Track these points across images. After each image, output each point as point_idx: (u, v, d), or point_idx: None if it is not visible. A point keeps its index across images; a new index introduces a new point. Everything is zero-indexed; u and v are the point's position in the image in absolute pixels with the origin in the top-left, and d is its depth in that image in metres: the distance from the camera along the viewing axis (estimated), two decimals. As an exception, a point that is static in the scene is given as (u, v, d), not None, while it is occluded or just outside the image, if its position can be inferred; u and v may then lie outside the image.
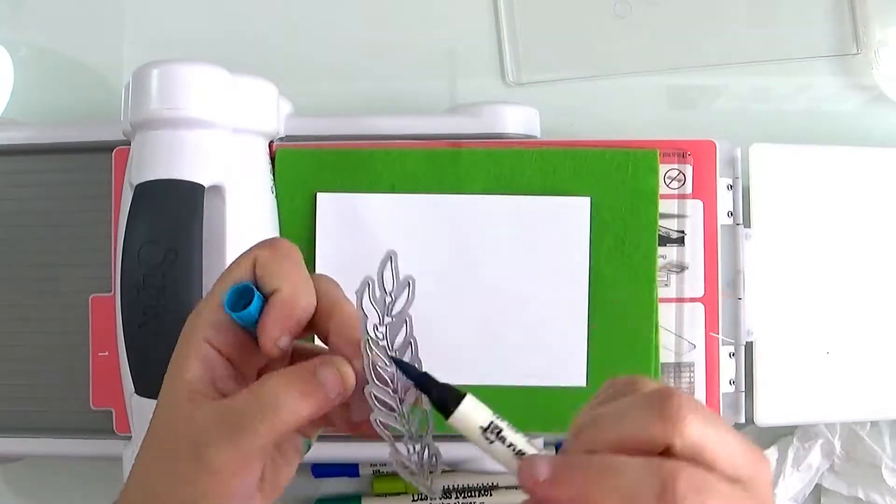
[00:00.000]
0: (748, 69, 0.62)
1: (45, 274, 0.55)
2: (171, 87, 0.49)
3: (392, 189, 0.53)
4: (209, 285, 0.48)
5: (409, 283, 0.33)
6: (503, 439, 0.31)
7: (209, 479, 0.32)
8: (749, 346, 0.56)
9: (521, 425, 0.51)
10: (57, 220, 0.55)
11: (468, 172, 0.53)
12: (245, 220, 0.51)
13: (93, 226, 0.54)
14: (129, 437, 0.53)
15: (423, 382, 0.33)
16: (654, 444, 0.28)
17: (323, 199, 0.53)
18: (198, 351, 0.33)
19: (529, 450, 0.31)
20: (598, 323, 0.52)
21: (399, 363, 0.33)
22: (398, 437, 0.33)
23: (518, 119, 0.55)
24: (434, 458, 0.34)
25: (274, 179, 0.53)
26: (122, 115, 0.51)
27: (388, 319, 0.33)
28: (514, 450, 0.31)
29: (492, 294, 0.52)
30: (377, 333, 0.33)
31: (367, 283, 0.33)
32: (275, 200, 0.53)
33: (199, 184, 0.48)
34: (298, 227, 0.53)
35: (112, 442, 0.53)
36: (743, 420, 0.56)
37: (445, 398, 0.32)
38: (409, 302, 0.33)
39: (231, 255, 0.50)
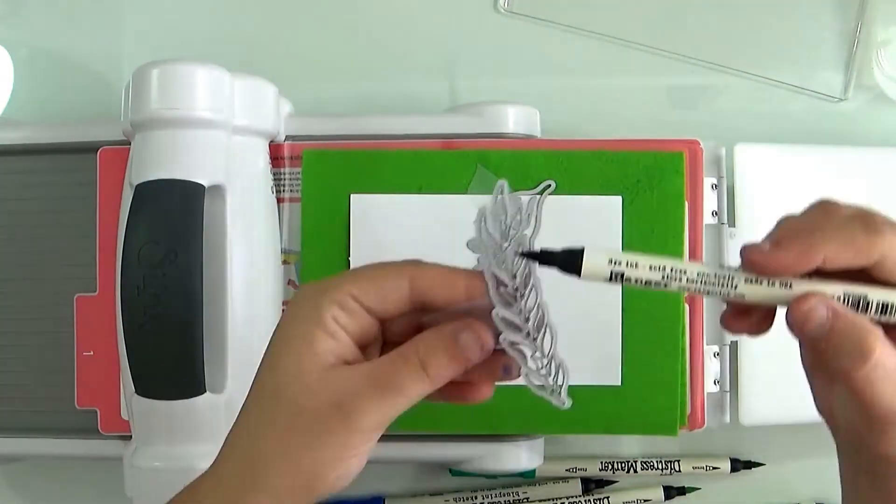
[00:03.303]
0: (749, 69, 0.62)
1: (31, 274, 0.55)
2: (171, 86, 0.49)
3: (419, 190, 0.53)
4: (209, 285, 0.48)
5: (519, 209, 0.35)
6: (629, 280, 0.34)
7: (354, 438, 0.34)
8: (734, 346, 0.56)
9: (559, 424, 0.53)
10: (51, 220, 0.55)
11: (497, 174, 0.53)
12: (245, 220, 0.51)
13: (81, 226, 0.54)
14: (115, 437, 0.53)
15: (543, 257, 0.35)
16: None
17: (357, 199, 0.53)
18: (326, 327, 0.34)
19: (669, 263, 0.34)
20: (631, 323, 0.52)
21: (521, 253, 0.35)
22: (525, 355, 0.35)
23: (518, 119, 0.55)
24: (562, 372, 0.35)
25: (287, 180, 0.54)
26: (122, 115, 0.51)
27: (506, 244, 0.35)
28: (645, 283, 0.34)
29: None
30: (497, 258, 0.35)
31: (482, 212, 0.35)
32: (275, 200, 0.53)
33: (199, 184, 0.48)
34: (325, 227, 0.53)
35: (100, 442, 0.53)
36: (728, 420, 0.56)
37: (568, 262, 0.34)
38: (523, 226, 0.35)
39: (231, 255, 0.50)
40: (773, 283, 0.34)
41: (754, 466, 0.59)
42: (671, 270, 0.34)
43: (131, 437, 0.50)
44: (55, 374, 0.54)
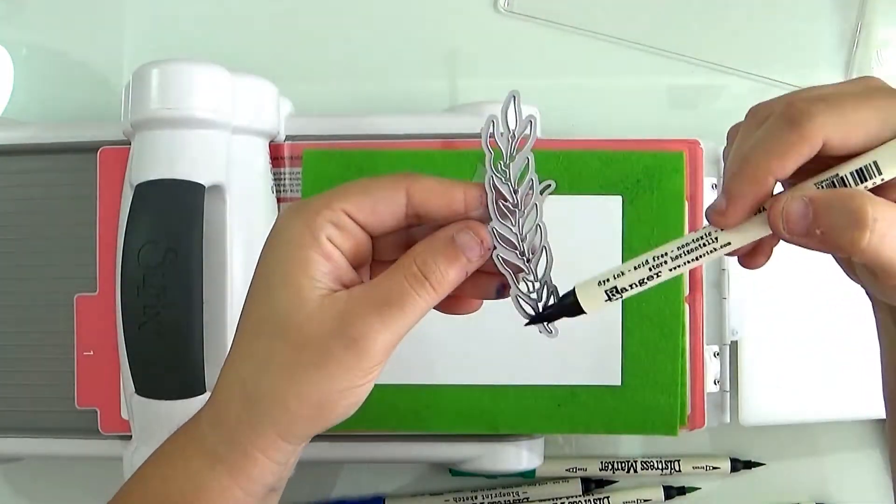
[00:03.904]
0: (749, 69, 0.62)
1: (31, 273, 0.55)
2: (172, 86, 0.49)
3: None
4: (209, 285, 0.48)
5: (531, 122, 0.34)
6: (625, 290, 0.34)
7: (364, 364, 0.33)
8: (734, 346, 0.56)
9: (559, 424, 0.53)
10: (51, 220, 0.55)
11: None
12: (245, 220, 0.51)
13: (81, 226, 0.54)
14: (115, 437, 0.53)
15: (548, 315, 0.35)
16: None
17: None
18: (322, 249, 0.33)
19: (648, 255, 0.34)
20: (631, 323, 0.52)
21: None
22: (518, 274, 0.34)
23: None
24: (553, 297, 0.35)
25: (287, 180, 0.54)
26: (122, 115, 0.51)
27: (510, 157, 0.34)
28: (639, 282, 0.34)
29: None
30: (500, 170, 0.34)
31: (490, 122, 0.34)
32: (275, 200, 0.53)
33: (199, 184, 0.48)
34: None
35: (100, 442, 0.53)
36: (728, 420, 0.56)
37: (567, 311, 0.34)
38: (531, 140, 0.34)
39: (231, 255, 0.50)
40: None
41: (754, 466, 0.60)
42: (653, 259, 0.34)
43: (131, 437, 0.50)
44: (55, 374, 0.54)
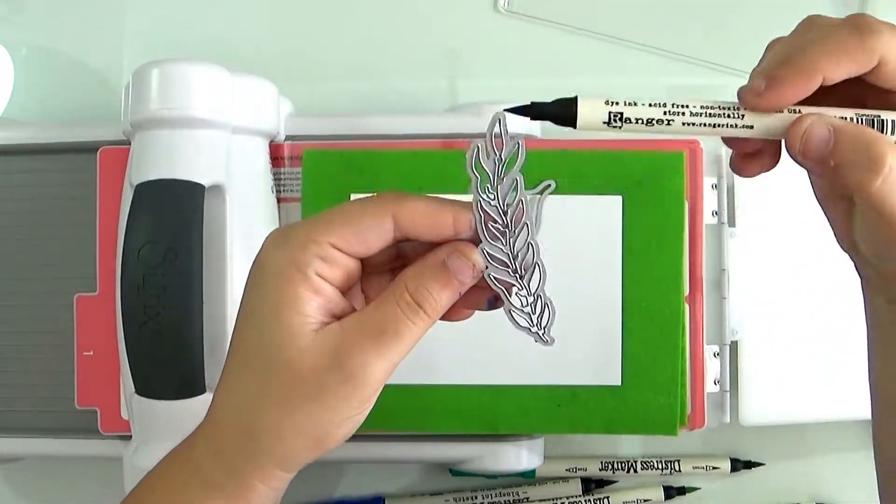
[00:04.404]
0: (749, 69, 0.61)
1: (31, 273, 0.55)
2: (172, 86, 0.49)
3: (419, 190, 0.53)
4: (209, 285, 0.48)
5: (518, 144, 0.33)
6: (629, 121, 0.32)
7: (362, 393, 0.33)
8: (734, 346, 0.56)
9: (559, 423, 0.53)
10: (51, 220, 0.55)
11: None
12: (245, 220, 0.51)
13: (81, 226, 0.54)
14: (115, 437, 0.53)
15: (533, 110, 0.34)
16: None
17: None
18: (311, 284, 0.33)
19: (670, 99, 0.32)
20: (630, 322, 0.52)
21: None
22: (511, 291, 0.34)
23: (518, 118, 0.55)
24: (548, 310, 0.35)
25: (287, 180, 0.54)
26: (122, 115, 0.51)
27: (498, 180, 0.34)
28: (647, 121, 0.32)
29: None
30: (488, 193, 0.34)
31: (475, 146, 0.33)
32: (275, 200, 0.53)
33: (199, 184, 0.48)
34: None
35: (100, 442, 0.53)
36: (728, 420, 0.56)
37: (562, 113, 0.33)
38: (519, 162, 0.33)
39: (231, 255, 0.50)
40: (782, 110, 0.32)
41: (754, 466, 0.60)
42: (673, 105, 0.33)
43: (131, 437, 0.50)
44: (55, 374, 0.54)
